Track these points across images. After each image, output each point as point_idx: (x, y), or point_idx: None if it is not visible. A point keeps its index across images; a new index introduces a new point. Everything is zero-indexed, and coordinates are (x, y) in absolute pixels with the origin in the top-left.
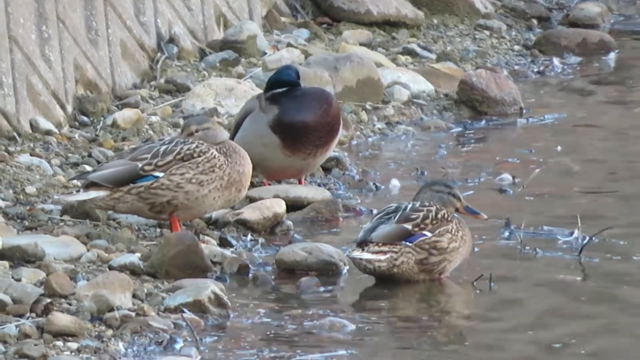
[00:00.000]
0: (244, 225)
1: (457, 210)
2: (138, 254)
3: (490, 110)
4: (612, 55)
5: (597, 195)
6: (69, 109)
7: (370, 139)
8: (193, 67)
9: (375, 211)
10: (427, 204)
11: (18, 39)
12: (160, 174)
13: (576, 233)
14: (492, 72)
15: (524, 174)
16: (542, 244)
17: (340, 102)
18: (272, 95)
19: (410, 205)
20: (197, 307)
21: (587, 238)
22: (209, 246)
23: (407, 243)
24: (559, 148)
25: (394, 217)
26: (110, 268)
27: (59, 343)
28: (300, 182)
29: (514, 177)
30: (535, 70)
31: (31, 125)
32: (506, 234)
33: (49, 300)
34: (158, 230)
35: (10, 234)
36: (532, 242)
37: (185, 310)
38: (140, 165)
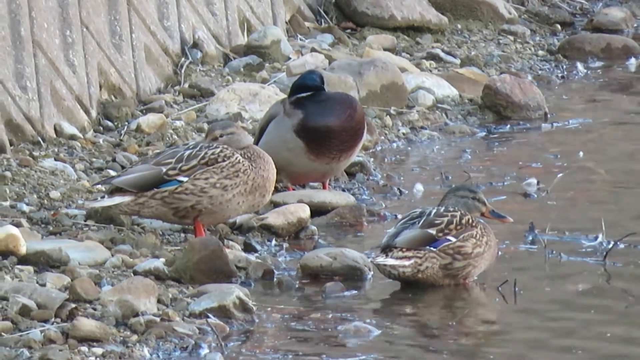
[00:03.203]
0: (269, 230)
1: (482, 214)
2: (162, 259)
3: (514, 115)
4: (635, 60)
5: (622, 200)
6: (93, 113)
7: (394, 144)
8: (217, 72)
9: (399, 216)
10: (451, 209)
11: (42, 43)
12: (185, 179)
13: (600, 238)
14: (517, 77)
15: (548, 179)
16: (567, 248)
17: (364, 106)
18: (297, 100)
19: (434, 211)
20: (222, 312)
21: (612, 243)
22: (234, 251)
23: (432, 248)
24: (581, 153)
25: (418, 222)
26: (135, 273)
27: (84, 348)
28: (324, 187)
29: (538, 182)
30: (560, 75)
31: (55, 130)
32: (530, 238)
33: (73, 305)
34: (182, 235)
35: (35, 238)
36: (557, 247)
37: (210, 315)
38: (164, 169)
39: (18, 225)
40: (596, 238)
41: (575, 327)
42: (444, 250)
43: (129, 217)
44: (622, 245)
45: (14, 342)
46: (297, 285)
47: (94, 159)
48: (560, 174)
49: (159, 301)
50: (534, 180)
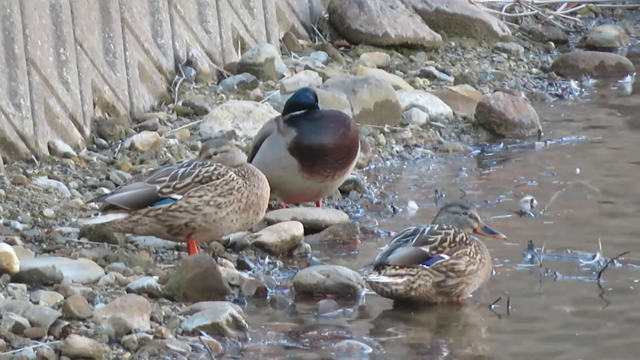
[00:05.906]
0: (262, 248)
1: (474, 230)
2: (156, 277)
3: (508, 133)
4: (629, 78)
5: (618, 217)
6: (87, 131)
7: (388, 162)
8: (211, 89)
9: (393, 234)
10: (445, 226)
11: (36, 61)
12: (179, 197)
13: (598, 256)
14: (510, 94)
15: (543, 197)
16: (563, 267)
17: (358, 124)
18: (290, 118)
19: (428, 228)
20: (215, 329)
21: (606, 261)
22: (227, 269)
23: (425, 266)
24: (578, 170)
25: (412, 240)
26: (128, 291)
27: None
28: (318, 205)
29: (532, 200)
30: (553, 92)
31: (49, 148)
32: (529, 256)
33: (66, 323)
34: (176, 253)
35: (28, 256)
36: (553, 265)
37: (203, 332)
38: (158, 187)
39: (12, 243)
40: (594, 257)
41: (567, 346)
42: (437, 267)
43: (122, 234)
44: (619, 265)
45: None
46: (290, 303)
47: (87, 177)
48: (558, 192)
49: (152, 319)
50: (530, 198)
